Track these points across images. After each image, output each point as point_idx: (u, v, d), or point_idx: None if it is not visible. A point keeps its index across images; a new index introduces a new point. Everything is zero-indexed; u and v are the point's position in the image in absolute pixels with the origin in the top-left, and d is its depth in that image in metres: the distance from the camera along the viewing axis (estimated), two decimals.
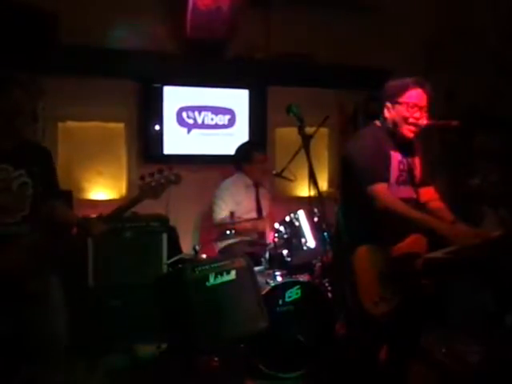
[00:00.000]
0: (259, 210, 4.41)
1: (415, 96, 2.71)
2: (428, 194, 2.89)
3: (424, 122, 2.71)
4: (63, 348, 2.56)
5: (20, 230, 2.40)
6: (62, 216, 2.66)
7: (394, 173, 2.74)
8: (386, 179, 2.70)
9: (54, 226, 2.56)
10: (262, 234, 4.25)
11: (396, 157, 2.76)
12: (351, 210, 2.79)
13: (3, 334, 2.35)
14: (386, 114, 2.78)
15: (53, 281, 2.56)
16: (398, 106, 2.72)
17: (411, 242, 2.70)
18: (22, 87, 2.45)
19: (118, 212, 2.59)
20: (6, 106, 2.41)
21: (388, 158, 2.73)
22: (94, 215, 4.07)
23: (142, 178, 2.59)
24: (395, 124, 2.75)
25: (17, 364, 2.43)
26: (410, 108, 2.69)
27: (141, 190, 2.57)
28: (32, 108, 2.51)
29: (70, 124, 4.76)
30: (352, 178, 2.74)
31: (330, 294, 3.74)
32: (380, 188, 2.64)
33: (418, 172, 2.86)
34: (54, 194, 2.65)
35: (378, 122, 2.84)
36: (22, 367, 2.44)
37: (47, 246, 2.46)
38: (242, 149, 4.53)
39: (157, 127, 4.94)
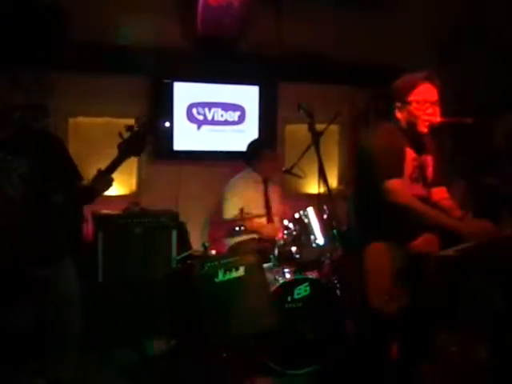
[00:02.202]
0: (268, 207, 4.41)
1: (425, 92, 2.68)
2: (439, 193, 2.88)
3: (438, 119, 2.68)
4: (75, 339, 2.57)
5: (20, 221, 2.36)
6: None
7: (408, 169, 2.72)
8: (402, 175, 2.68)
9: (62, 216, 2.51)
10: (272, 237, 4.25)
11: (410, 153, 2.74)
12: (364, 207, 2.79)
13: (14, 325, 2.37)
14: (398, 114, 2.75)
15: (64, 269, 2.57)
16: (408, 106, 2.69)
17: (424, 242, 2.69)
18: (10, 81, 2.41)
19: (113, 166, 2.51)
20: None
21: (403, 154, 2.71)
22: (104, 211, 4.14)
23: (121, 136, 2.52)
24: (410, 123, 2.73)
25: (28, 355, 2.44)
26: (421, 105, 2.67)
27: (119, 150, 2.50)
28: (22, 102, 2.46)
29: (81, 120, 4.78)
30: (366, 175, 2.72)
31: (338, 292, 3.74)
32: (395, 183, 2.62)
33: (430, 170, 2.84)
34: (72, 178, 2.61)
35: (389, 123, 2.80)
36: (34, 359, 2.45)
37: (51, 236, 2.42)
38: (251, 146, 4.53)
39: (167, 123, 4.95)
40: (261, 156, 4.38)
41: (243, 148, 4.56)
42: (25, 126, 2.48)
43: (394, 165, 2.65)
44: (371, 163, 2.68)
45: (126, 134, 2.52)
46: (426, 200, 2.76)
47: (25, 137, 2.47)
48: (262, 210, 4.33)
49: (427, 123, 2.69)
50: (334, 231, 3.67)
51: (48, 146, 2.55)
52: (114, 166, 2.50)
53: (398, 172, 2.66)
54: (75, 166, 2.66)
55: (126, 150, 2.50)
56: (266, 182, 4.46)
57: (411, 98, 2.68)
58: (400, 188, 2.63)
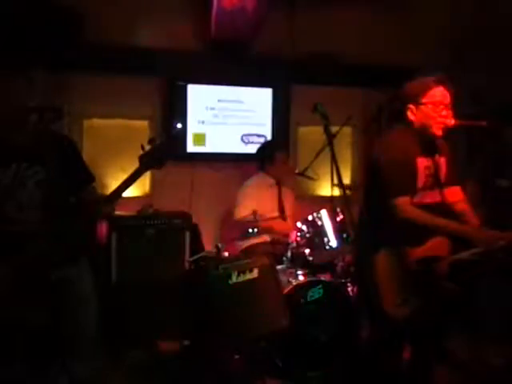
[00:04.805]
0: (281, 210, 4.41)
1: (439, 94, 2.67)
2: (455, 194, 2.87)
3: (452, 121, 2.67)
4: (91, 339, 2.58)
5: (36, 227, 2.36)
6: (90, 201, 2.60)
7: (420, 180, 2.72)
8: (412, 191, 2.68)
9: (78, 217, 2.51)
10: (285, 234, 4.25)
11: (422, 162, 2.73)
12: (375, 213, 2.78)
13: (36, 325, 2.39)
14: (411, 116, 2.73)
15: (80, 270, 2.58)
16: (422, 107, 2.68)
17: (434, 245, 2.68)
18: (24, 81, 2.37)
19: (121, 188, 2.48)
20: (8, 100, 2.34)
21: (415, 168, 2.70)
22: (118, 212, 4.16)
23: (142, 148, 2.47)
24: (423, 125, 2.71)
25: (52, 355, 2.46)
26: (435, 107, 2.66)
27: (140, 162, 2.47)
28: (37, 104, 2.45)
29: (96, 121, 4.82)
30: (377, 184, 2.71)
31: (351, 294, 3.73)
32: (402, 201, 2.62)
33: (443, 171, 2.83)
34: (84, 180, 2.63)
35: (402, 126, 2.78)
36: (58, 357, 2.47)
37: (68, 238, 2.41)
38: (263, 148, 4.53)
39: (179, 125, 4.98)
40: (273, 159, 4.38)
41: (255, 150, 4.57)
42: (40, 130, 2.49)
43: (403, 183, 2.64)
44: (381, 178, 2.67)
45: (148, 147, 2.51)
46: (440, 205, 2.76)
47: (40, 141, 2.45)
48: (275, 213, 4.34)
49: (442, 125, 2.68)
50: (347, 234, 3.68)
51: (62, 149, 2.53)
52: (134, 178, 2.47)
53: (407, 190, 2.66)
54: (87, 167, 2.67)
55: (148, 162, 2.48)
56: (279, 184, 4.47)
57: (425, 99, 2.67)
58: (406, 206, 2.63)
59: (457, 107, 2.74)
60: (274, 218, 4.21)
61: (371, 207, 2.84)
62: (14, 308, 2.31)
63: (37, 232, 2.34)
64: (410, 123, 2.74)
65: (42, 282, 2.36)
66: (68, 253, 2.45)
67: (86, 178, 2.66)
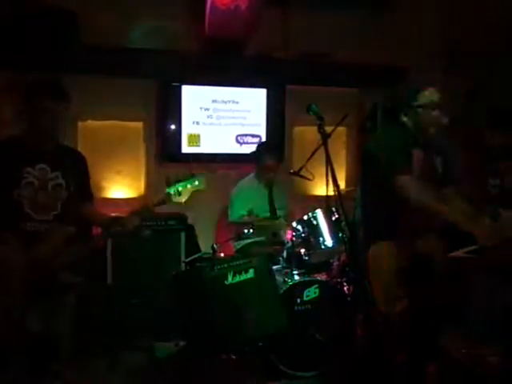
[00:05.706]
0: (273, 211, 4.41)
1: (428, 96, 2.70)
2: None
3: (445, 121, 2.69)
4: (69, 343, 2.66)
5: (52, 228, 2.55)
6: (93, 216, 2.89)
7: (415, 170, 2.73)
8: (410, 173, 2.69)
9: (83, 224, 2.73)
10: (278, 234, 4.25)
11: (418, 155, 2.75)
12: (371, 210, 2.79)
13: (36, 330, 2.44)
14: (404, 118, 2.78)
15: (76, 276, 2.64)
16: (414, 111, 2.72)
17: (430, 242, 2.68)
18: (55, 91, 2.59)
19: (146, 209, 2.85)
20: (43, 110, 2.54)
21: (410, 156, 2.73)
22: (113, 214, 4.15)
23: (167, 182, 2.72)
24: (417, 127, 2.75)
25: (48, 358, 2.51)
26: (427, 109, 2.69)
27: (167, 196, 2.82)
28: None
29: (90, 123, 4.80)
30: (371, 175, 2.72)
31: (347, 293, 3.74)
32: (407, 178, 2.64)
33: (439, 170, 2.84)
34: (86, 196, 2.87)
35: (395, 127, 2.82)
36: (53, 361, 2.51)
37: (75, 243, 2.57)
38: (256, 150, 4.54)
39: (173, 126, 4.98)
40: (260, 164, 4.38)
41: (250, 151, 4.57)
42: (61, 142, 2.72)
43: (402, 162, 2.67)
44: (378, 163, 2.69)
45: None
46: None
47: (61, 151, 2.70)
48: (267, 213, 4.33)
49: (435, 126, 2.71)
50: (343, 233, 3.68)
51: (79, 162, 2.81)
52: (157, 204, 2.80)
53: (407, 169, 2.68)
54: (90, 185, 2.92)
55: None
56: (270, 185, 4.47)
57: (416, 103, 2.71)
58: (412, 182, 2.64)
59: (453, 107, 2.76)
60: (266, 219, 4.21)
61: (366, 204, 2.85)
62: (18, 307, 2.37)
63: (50, 232, 2.53)
64: (403, 124, 2.78)
65: (48, 283, 2.45)
66: (74, 258, 2.56)
67: (89, 194, 2.92)
